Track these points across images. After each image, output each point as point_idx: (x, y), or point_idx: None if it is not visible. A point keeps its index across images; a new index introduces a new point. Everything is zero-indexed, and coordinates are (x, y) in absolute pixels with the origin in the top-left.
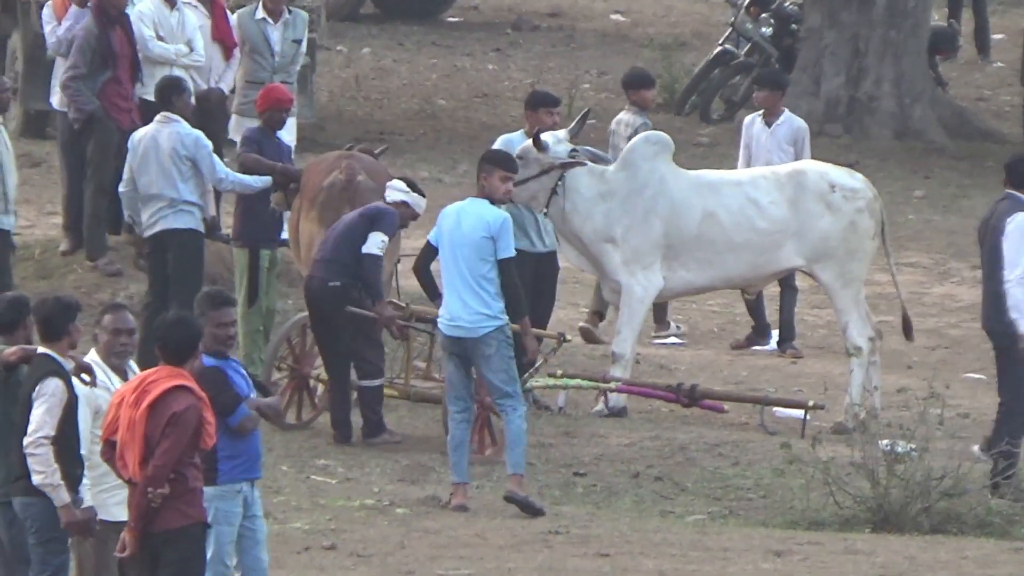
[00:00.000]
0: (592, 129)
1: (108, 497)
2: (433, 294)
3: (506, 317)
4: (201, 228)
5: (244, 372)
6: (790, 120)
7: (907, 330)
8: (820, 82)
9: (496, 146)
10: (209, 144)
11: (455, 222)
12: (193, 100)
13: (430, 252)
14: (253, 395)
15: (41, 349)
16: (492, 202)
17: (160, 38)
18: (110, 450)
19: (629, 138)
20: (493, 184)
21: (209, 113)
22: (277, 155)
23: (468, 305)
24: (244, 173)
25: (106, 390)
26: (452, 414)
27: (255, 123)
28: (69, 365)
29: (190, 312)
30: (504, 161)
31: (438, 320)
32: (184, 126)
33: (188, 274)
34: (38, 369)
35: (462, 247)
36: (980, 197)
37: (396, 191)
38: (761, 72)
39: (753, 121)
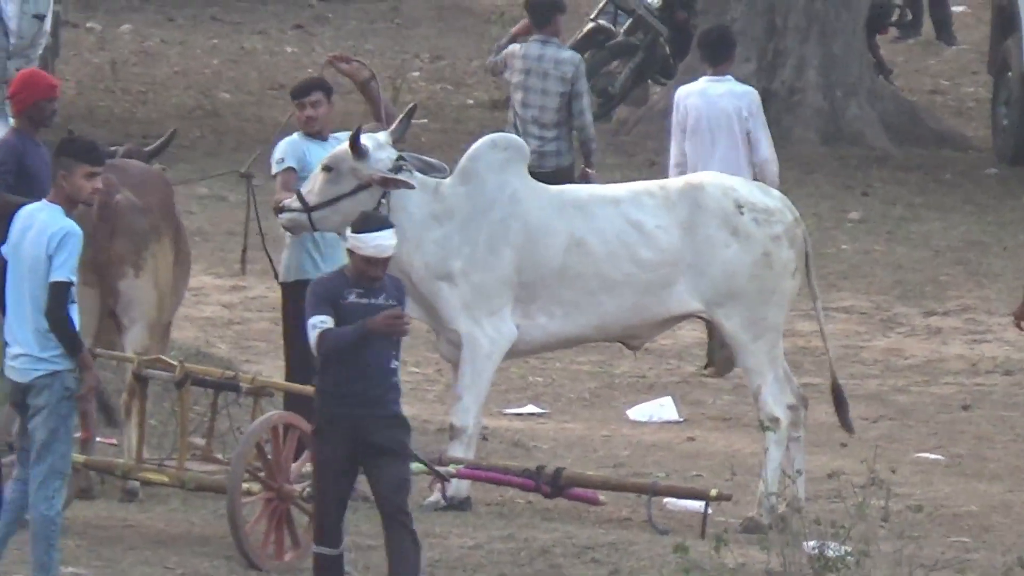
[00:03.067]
0: (423, 131)
1: None
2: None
3: (65, 362)
4: None
5: None
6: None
7: (839, 404)
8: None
9: (282, 153)
10: None
11: (21, 232)
12: None
13: (2, 265)
14: None
15: None
16: (71, 207)
17: None
18: None
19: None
20: (76, 184)
21: None
22: (44, 165)
23: (21, 343)
24: None
25: None
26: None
27: None
28: None
29: None
30: (88, 152)
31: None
32: None
33: None
34: None
35: (23, 264)
36: (936, 220)
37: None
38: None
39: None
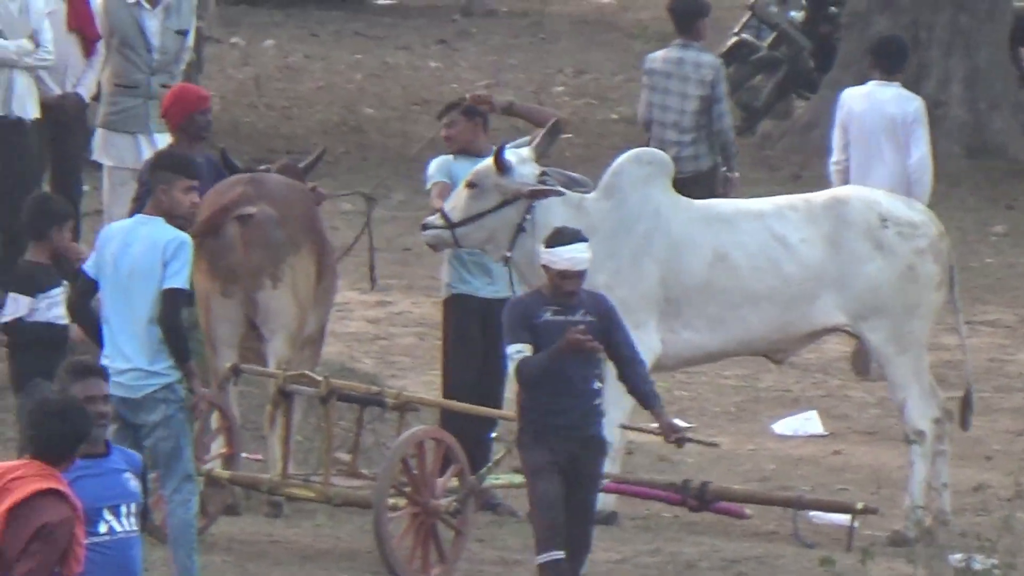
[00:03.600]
0: (567, 146)
1: None
2: (98, 339)
3: (176, 373)
4: None
5: (122, 467)
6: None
7: (964, 414)
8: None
9: (432, 169)
10: None
11: (120, 248)
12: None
13: (88, 285)
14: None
15: None
16: (170, 219)
17: None
18: None
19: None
20: (175, 197)
21: (64, 126)
22: (211, 175)
23: (129, 358)
24: None
25: None
26: None
27: (125, 138)
28: None
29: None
30: (186, 166)
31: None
32: None
33: None
34: None
35: (130, 279)
36: None
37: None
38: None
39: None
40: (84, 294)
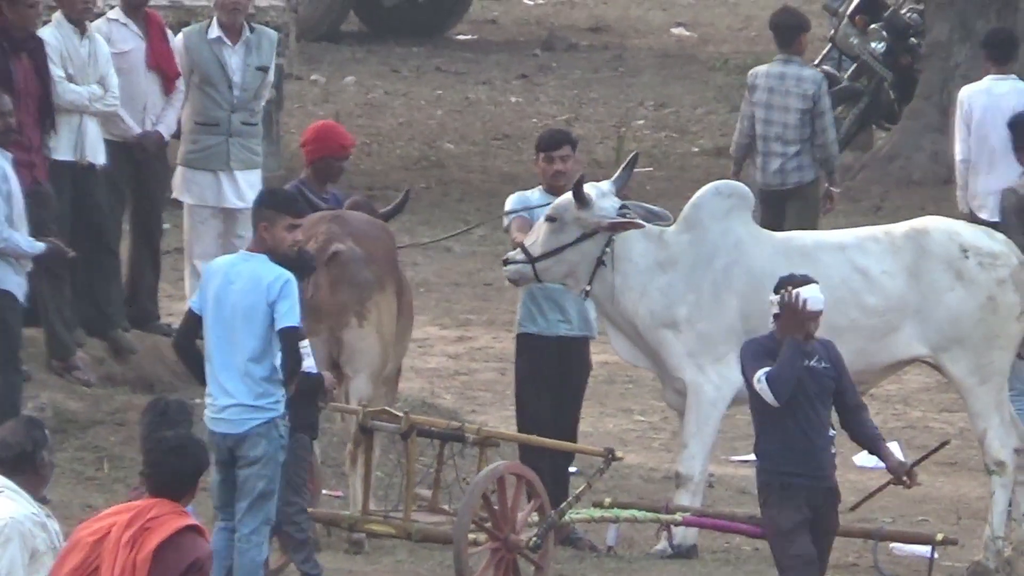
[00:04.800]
0: (648, 179)
1: None
2: (200, 376)
3: (282, 407)
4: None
5: None
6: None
7: None
8: (950, 113)
9: (509, 205)
10: None
11: (223, 284)
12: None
13: (193, 321)
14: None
15: None
16: (274, 257)
17: (69, 76)
18: None
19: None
20: (278, 235)
21: (145, 165)
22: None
23: (232, 394)
24: None
25: (41, 527)
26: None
27: (205, 176)
28: None
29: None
30: (290, 204)
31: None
32: None
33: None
34: None
35: (233, 316)
36: None
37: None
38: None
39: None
40: (189, 330)
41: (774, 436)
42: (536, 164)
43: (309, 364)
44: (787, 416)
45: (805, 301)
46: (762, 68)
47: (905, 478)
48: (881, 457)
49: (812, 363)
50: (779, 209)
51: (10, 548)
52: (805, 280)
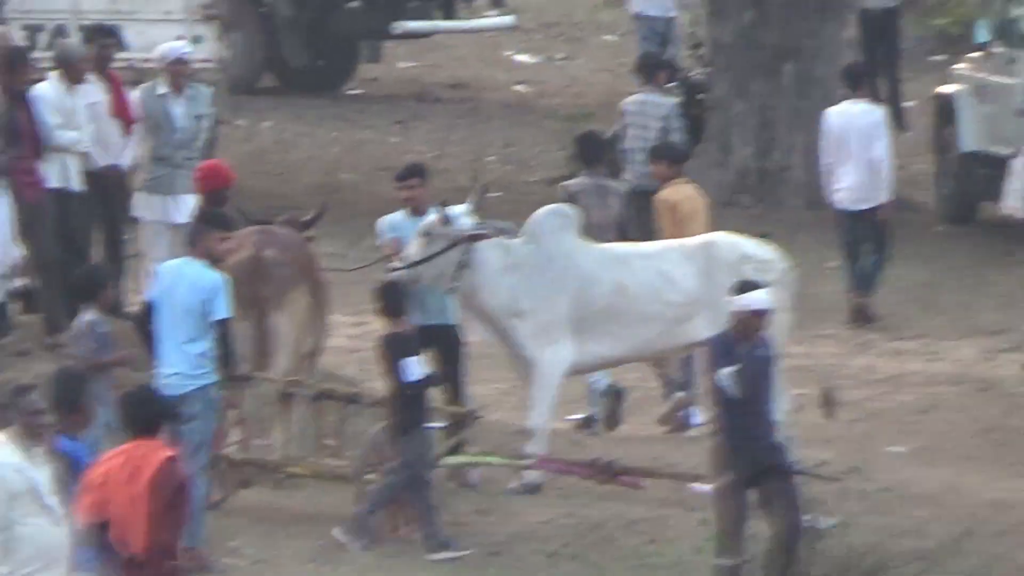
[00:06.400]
0: (498, 202)
1: None
2: (153, 351)
3: (213, 377)
4: None
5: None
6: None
7: (829, 406)
8: (730, 152)
9: (380, 227)
10: None
11: (172, 283)
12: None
13: (149, 310)
14: None
15: None
16: (210, 263)
17: (58, 124)
18: (98, 531)
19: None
20: (211, 245)
21: (107, 191)
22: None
23: (174, 365)
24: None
25: (18, 472)
26: None
27: (158, 198)
28: None
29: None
30: (221, 221)
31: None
32: None
33: None
34: None
35: (177, 307)
36: (899, 267)
37: None
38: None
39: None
40: (146, 317)
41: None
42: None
43: (416, 370)
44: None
45: (747, 305)
46: (631, 98)
47: None
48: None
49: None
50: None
51: None
52: (756, 285)
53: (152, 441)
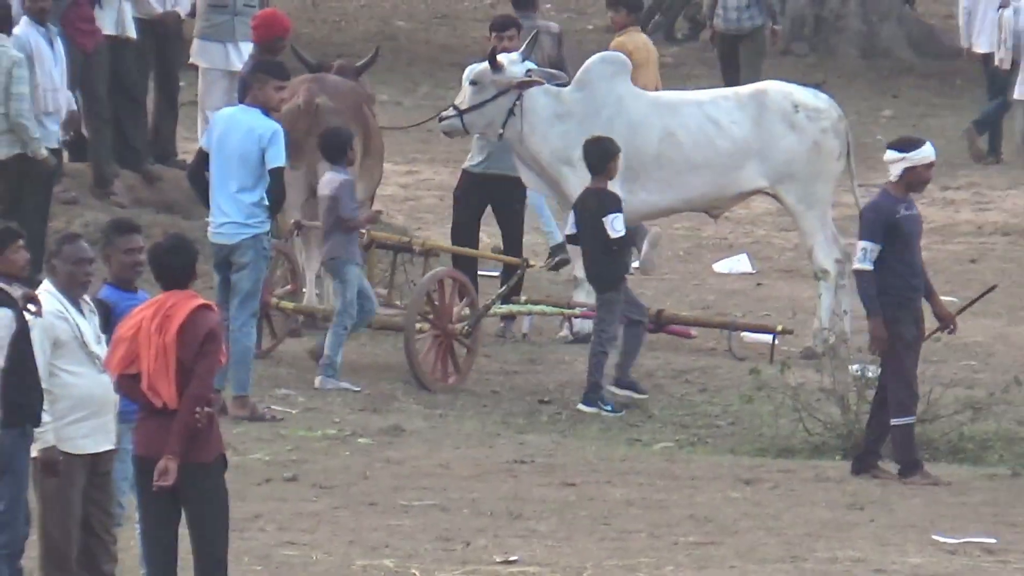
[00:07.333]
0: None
1: (75, 430)
2: (206, 200)
3: (266, 226)
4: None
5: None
6: None
7: None
8: (785, 0)
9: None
10: None
11: (225, 130)
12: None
13: (202, 157)
14: None
15: None
16: (265, 112)
17: None
18: (130, 383)
19: None
20: (268, 94)
21: (164, 38)
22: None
23: (228, 214)
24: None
25: (63, 320)
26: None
27: (216, 46)
28: (16, 293)
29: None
30: (277, 69)
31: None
32: None
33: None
34: None
35: (232, 155)
36: (949, 116)
37: None
38: None
39: None
40: (199, 165)
41: (896, 266)
42: (488, 40)
43: (621, 226)
44: (904, 250)
45: (926, 156)
46: None
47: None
48: (932, 304)
49: (915, 211)
50: (733, 49)
51: (35, 332)
52: (920, 142)
53: (183, 291)
